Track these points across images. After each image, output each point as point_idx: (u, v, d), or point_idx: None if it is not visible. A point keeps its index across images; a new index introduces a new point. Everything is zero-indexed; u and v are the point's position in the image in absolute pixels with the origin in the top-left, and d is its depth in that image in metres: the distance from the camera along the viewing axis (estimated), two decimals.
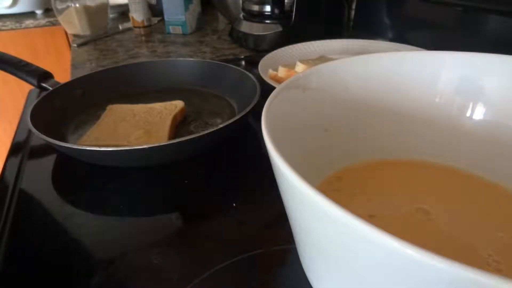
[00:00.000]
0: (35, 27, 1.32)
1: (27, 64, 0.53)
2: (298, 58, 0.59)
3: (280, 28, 0.76)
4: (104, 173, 0.39)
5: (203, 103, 0.54)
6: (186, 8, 0.91)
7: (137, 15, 0.96)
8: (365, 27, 0.81)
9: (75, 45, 0.87)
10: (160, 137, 0.43)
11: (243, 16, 0.83)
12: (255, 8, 0.79)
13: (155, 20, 1.05)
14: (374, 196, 0.28)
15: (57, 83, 0.52)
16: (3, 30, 1.29)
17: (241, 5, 0.84)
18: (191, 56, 0.79)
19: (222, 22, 1.06)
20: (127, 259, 0.29)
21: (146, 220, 0.34)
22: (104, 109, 0.49)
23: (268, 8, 0.77)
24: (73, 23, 0.93)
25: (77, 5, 0.91)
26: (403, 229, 0.25)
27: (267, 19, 0.78)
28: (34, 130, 0.39)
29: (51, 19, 1.31)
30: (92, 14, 0.93)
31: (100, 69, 0.58)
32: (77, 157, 0.40)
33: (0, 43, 1.28)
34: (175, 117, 0.47)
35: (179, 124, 0.48)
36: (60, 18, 0.96)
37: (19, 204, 0.35)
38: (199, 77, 0.58)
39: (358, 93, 0.30)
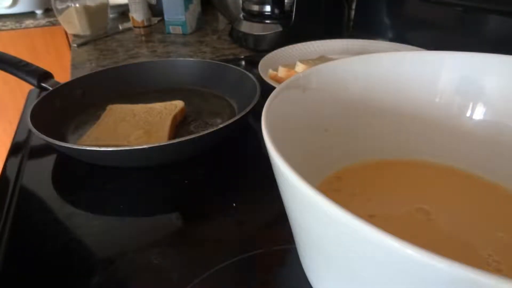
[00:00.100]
0: (35, 27, 1.32)
1: (27, 64, 0.53)
2: (298, 58, 0.59)
3: (280, 28, 0.76)
4: (104, 173, 0.39)
5: (203, 103, 0.54)
6: (186, 8, 0.91)
7: (137, 15, 0.96)
8: (365, 27, 0.81)
9: (75, 45, 0.87)
10: (160, 137, 0.43)
11: (243, 16, 0.83)
12: (255, 8, 0.79)
13: (155, 20, 1.05)
14: (374, 196, 0.28)
15: (57, 83, 0.52)
16: (3, 30, 1.29)
17: (241, 5, 0.84)
18: (191, 56, 0.79)
19: (222, 22, 1.06)
20: (127, 259, 0.29)
21: (146, 220, 0.34)
22: (104, 109, 0.49)
23: (268, 8, 0.77)
24: (73, 23, 0.93)
25: (77, 5, 0.91)
26: (403, 229, 0.25)
27: (267, 19, 0.78)
28: (34, 130, 0.39)
29: (51, 19, 1.31)
30: (92, 14, 0.93)
31: (100, 69, 0.58)
32: (77, 157, 0.40)
33: (0, 43, 1.28)
34: (175, 117, 0.47)
35: (179, 124, 0.48)
36: (60, 18, 0.96)
37: (19, 204, 0.35)
38: (199, 77, 0.58)
39: (358, 93, 0.30)
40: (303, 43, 0.67)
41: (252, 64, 0.69)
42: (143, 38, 0.94)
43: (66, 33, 1.28)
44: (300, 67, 0.53)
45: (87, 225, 0.33)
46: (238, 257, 0.28)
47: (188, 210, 0.34)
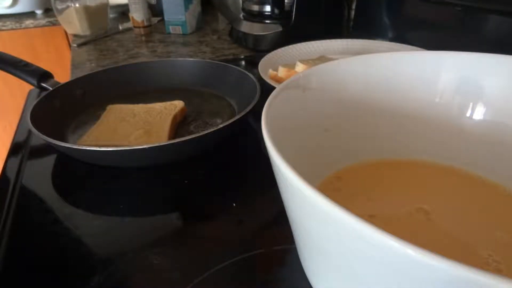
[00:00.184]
0: (35, 27, 1.31)
1: (27, 64, 0.53)
2: (298, 58, 0.59)
3: (280, 28, 0.76)
4: (104, 173, 0.39)
5: (203, 103, 0.54)
6: (186, 8, 0.91)
7: (137, 15, 0.96)
8: (365, 27, 0.81)
9: (75, 45, 0.87)
10: (160, 137, 0.43)
11: (243, 16, 0.83)
12: (255, 8, 0.79)
13: (155, 20, 1.05)
14: (374, 196, 0.28)
15: (57, 83, 0.52)
16: (3, 30, 1.29)
17: (241, 5, 0.84)
18: (191, 56, 0.79)
19: (222, 22, 1.06)
20: (127, 259, 0.29)
21: (146, 220, 0.34)
22: (104, 109, 0.49)
23: (268, 8, 0.77)
24: (73, 23, 0.93)
25: (77, 5, 0.91)
26: (403, 229, 0.25)
27: (267, 19, 0.78)
28: (34, 130, 0.39)
29: (51, 19, 1.31)
30: (92, 14, 0.93)
31: (100, 69, 0.58)
32: (77, 157, 0.40)
33: (0, 43, 1.28)
34: (175, 117, 0.47)
35: (179, 124, 0.48)
36: (60, 18, 0.96)
37: (19, 204, 0.35)
38: (199, 77, 0.58)
39: (358, 93, 0.30)
40: (303, 43, 0.67)
41: (252, 64, 0.69)
42: (143, 38, 0.94)
43: (66, 33, 1.28)
44: (300, 67, 0.53)
45: (87, 225, 0.33)
46: (238, 257, 0.28)
47: (188, 210, 0.34)
